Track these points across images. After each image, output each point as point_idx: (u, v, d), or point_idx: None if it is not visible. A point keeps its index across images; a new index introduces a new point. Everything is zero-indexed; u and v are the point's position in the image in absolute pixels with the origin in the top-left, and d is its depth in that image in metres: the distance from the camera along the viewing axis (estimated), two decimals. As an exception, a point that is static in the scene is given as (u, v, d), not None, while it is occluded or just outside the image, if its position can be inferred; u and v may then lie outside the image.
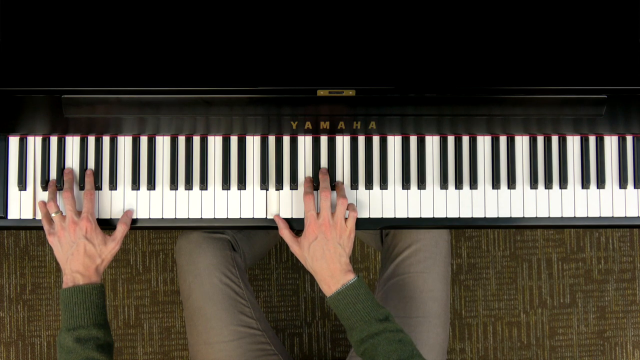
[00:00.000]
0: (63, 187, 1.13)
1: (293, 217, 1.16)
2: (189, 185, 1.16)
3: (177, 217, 1.16)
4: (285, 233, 1.13)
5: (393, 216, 1.16)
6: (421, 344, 1.18)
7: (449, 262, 1.25)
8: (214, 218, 1.16)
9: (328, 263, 1.07)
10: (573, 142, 1.18)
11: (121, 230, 1.13)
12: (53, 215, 1.11)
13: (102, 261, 1.10)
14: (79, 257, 1.08)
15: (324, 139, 1.17)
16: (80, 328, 1.04)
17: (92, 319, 1.05)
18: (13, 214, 1.15)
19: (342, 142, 1.17)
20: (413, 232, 1.23)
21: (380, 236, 1.36)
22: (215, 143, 1.16)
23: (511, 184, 1.16)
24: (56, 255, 1.10)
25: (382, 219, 1.16)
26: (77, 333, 1.03)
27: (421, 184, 1.16)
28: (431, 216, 1.16)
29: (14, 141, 1.15)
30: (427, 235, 1.22)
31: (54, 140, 1.16)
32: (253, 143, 1.16)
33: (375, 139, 1.17)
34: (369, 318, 1.03)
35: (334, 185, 1.16)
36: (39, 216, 1.15)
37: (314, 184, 1.15)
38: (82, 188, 1.15)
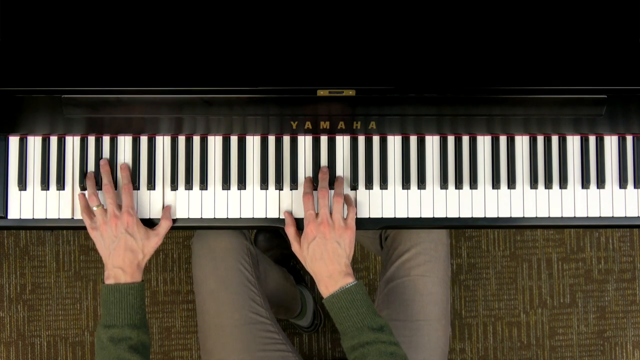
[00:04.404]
0: (102, 181, 1.13)
1: (293, 217, 1.16)
2: (189, 185, 1.16)
3: (177, 217, 1.16)
4: (290, 230, 1.13)
5: (393, 216, 1.16)
6: (422, 347, 1.18)
7: (449, 265, 1.25)
8: (214, 218, 1.16)
9: (327, 264, 1.07)
10: (573, 142, 1.18)
11: (165, 226, 1.13)
12: (95, 208, 1.11)
13: (144, 256, 1.10)
14: (120, 251, 1.08)
15: (324, 139, 1.17)
16: (114, 327, 1.04)
17: (126, 320, 1.05)
18: (13, 214, 1.15)
19: (342, 142, 1.17)
20: (413, 235, 1.23)
21: (379, 240, 1.36)
22: (215, 143, 1.16)
23: (511, 184, 1.16)
24: (99, 249, 1.10)
25: (382, 218, 1.16)
26: (111, 332, 1.04)
27: (421, 184, 1.16)
28: (431, 216, 1.16)
29: (14, 141, 1.15)
30: (426, 239, 1.22)
31: (54, 140, 1.15)
32: (253, 143, 1.16)
33: (375, 139, 1.17)
34: (361, 325, 1.02)
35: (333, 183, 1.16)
36: (37, 216, 1.15)
37: (313, 184, 1.15)
38: (83, 188, 1.15)
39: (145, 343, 1.07)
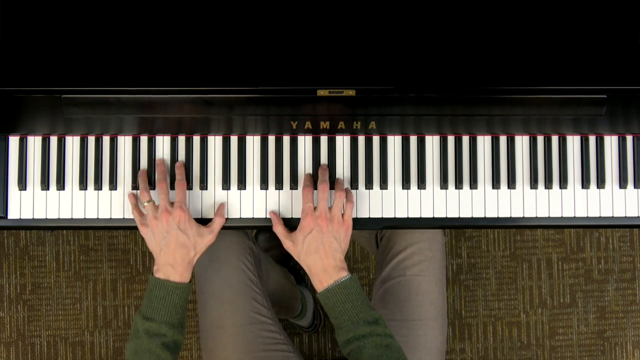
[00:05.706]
0: (156, 178, 1.13)
1: (293, 217, 1.16)
2: (189, 186, 1.16)
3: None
4: (278, 229, 1.13)
5: (393, 216, 1.16)
6: (419, 347, 1.18)
7: (444, 264, 1.25)
8: (214, 218, 1.16)
9: (322, 257, 1.06)
10: (573, 142, 1.18)
11: (219, 222, 1.12)
12: (145, 204, 1.10)
13: (196, 253, 1.09)
14: (172, 247, 1.06)
15: (324, 139, 1.17)
16: (152, 321, 1.04)
17: (166, 317, 1.04)
18: (13, 214, 1.15)
19: (342, 142, 1.17)
20: (407, 235, 1.23)
21: (375, 240, 1.36)
22: (215, 143, 1.16)
23: (511, 183, 1.16)
24: (149, 246, 1.09)
25: (382, 218, 1.16)
26: (148, 325, 1.03)
27: (421, 184, 1.16)
28: (431, 216, 1.16)
29: (14, 141, 1.15)
30: (421, 238, 1.22)
31: (54, 140, 1.16)
32: (253, 143, 1.16)
33: (375, 139, 1.17)
34: (357, 319, 1.02)
35: (333, 184, 1.16)
36: (37, 216, 1.15)
37: (313, 179, 1.15)
38: (83, 188, 1.15)
39: (178, 342, 1.06)
